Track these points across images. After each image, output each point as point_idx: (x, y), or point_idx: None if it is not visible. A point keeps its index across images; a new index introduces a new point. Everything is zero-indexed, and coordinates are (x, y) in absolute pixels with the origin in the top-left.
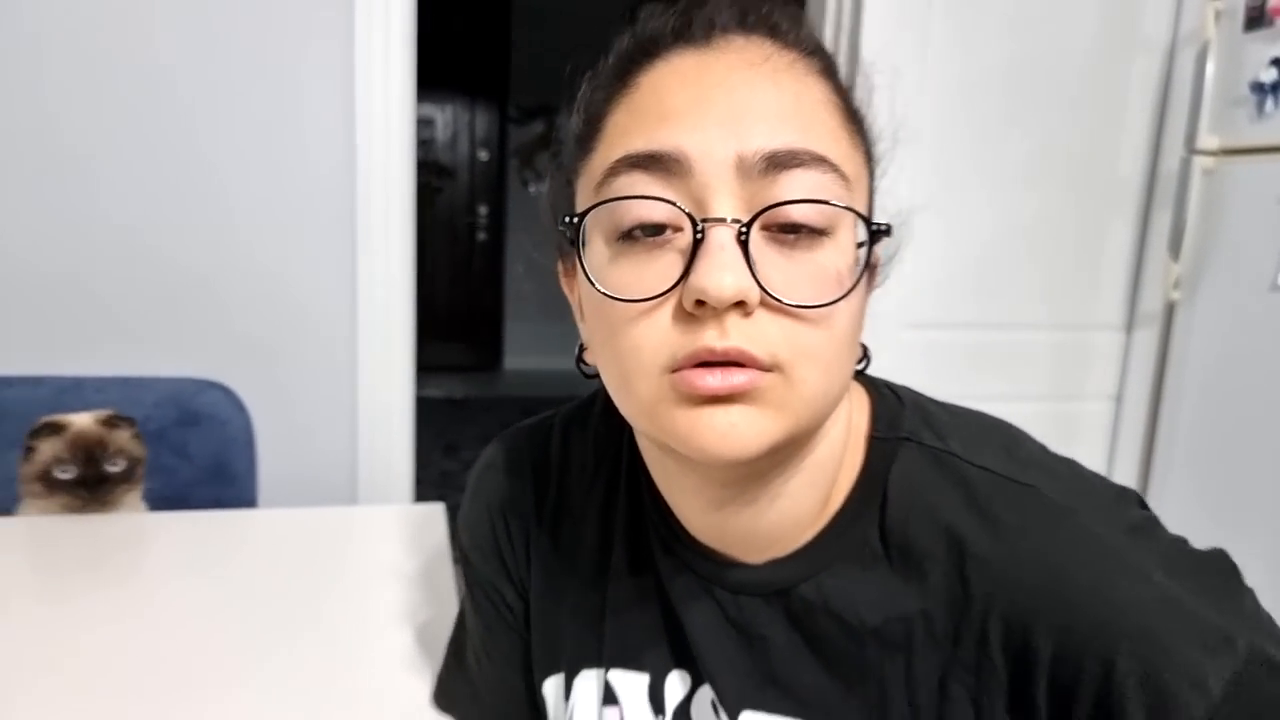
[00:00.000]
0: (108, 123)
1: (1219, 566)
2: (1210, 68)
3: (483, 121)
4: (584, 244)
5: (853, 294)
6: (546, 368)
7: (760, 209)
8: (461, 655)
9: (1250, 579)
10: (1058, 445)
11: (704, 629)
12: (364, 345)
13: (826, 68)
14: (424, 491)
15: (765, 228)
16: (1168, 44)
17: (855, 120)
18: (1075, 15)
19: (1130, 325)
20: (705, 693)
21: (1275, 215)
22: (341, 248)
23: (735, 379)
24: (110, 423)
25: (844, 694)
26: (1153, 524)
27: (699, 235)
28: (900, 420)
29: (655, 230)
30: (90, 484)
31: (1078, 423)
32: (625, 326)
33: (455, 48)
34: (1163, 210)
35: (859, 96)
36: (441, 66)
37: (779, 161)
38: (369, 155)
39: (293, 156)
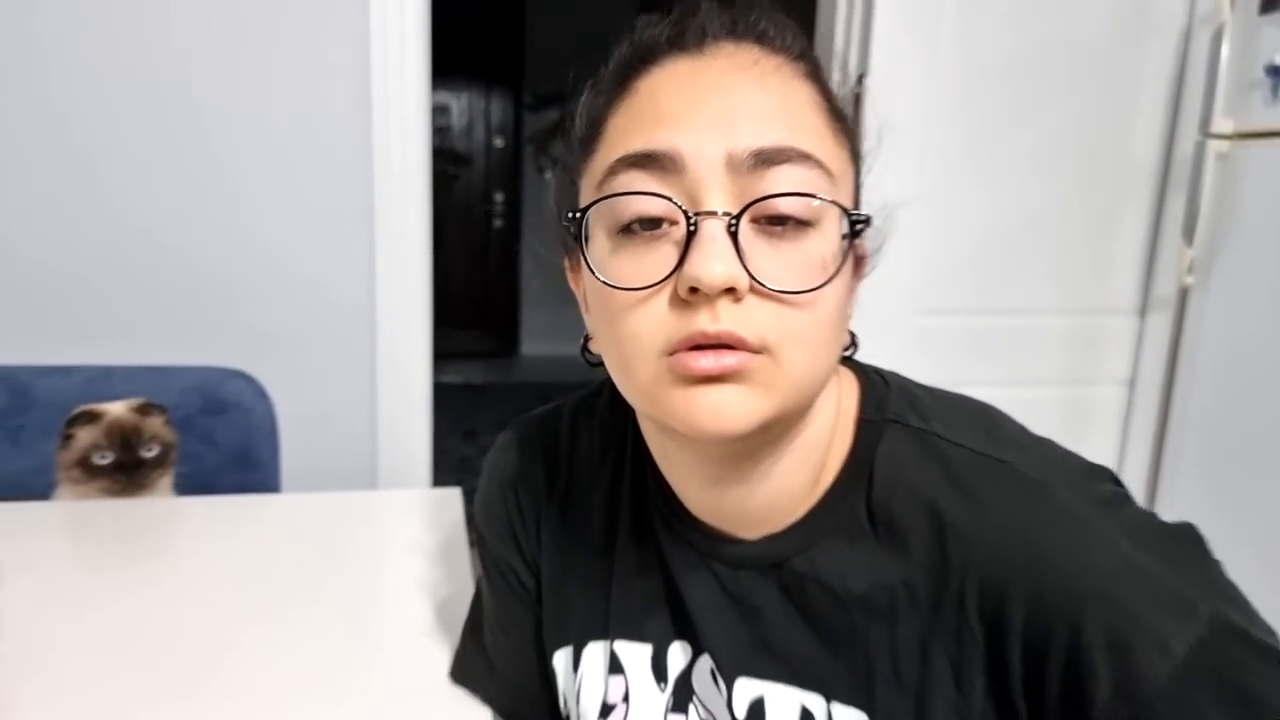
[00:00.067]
0: (128, 121)
1: (1185, 537)
2: (1225, 51)
3: (498, 109)
4: (587, 238)
5: (837, 281)
6: (563, 353)
7: (748, 202)
8: (478, 632)
9: (1262, 562)
10: (1071, 429)
11: (702, 601)
12: (382, 333)
13: (812, 71)
14: (442, 476)
15: (755, 220)
16: (1183, 27)
17: (839, 119)
18: None
19: (1144, 310)
20: (705, 662)
21: None
22: (359, 238)
23: (726, 360)
24: (144, 410)
25: (832, 660)
26: (1121, 498)
27: (692, 228)
28: (887, 403)
29: (652, 224)
30: (127, 469)
31: (1091, 407)
32: (625, 313)
33: (470, 36)
34: (1177, 194)
35: (843, 96)
36: (457, 54)
37: (766, 158)
38: (385, 145)
39: (310, 148)
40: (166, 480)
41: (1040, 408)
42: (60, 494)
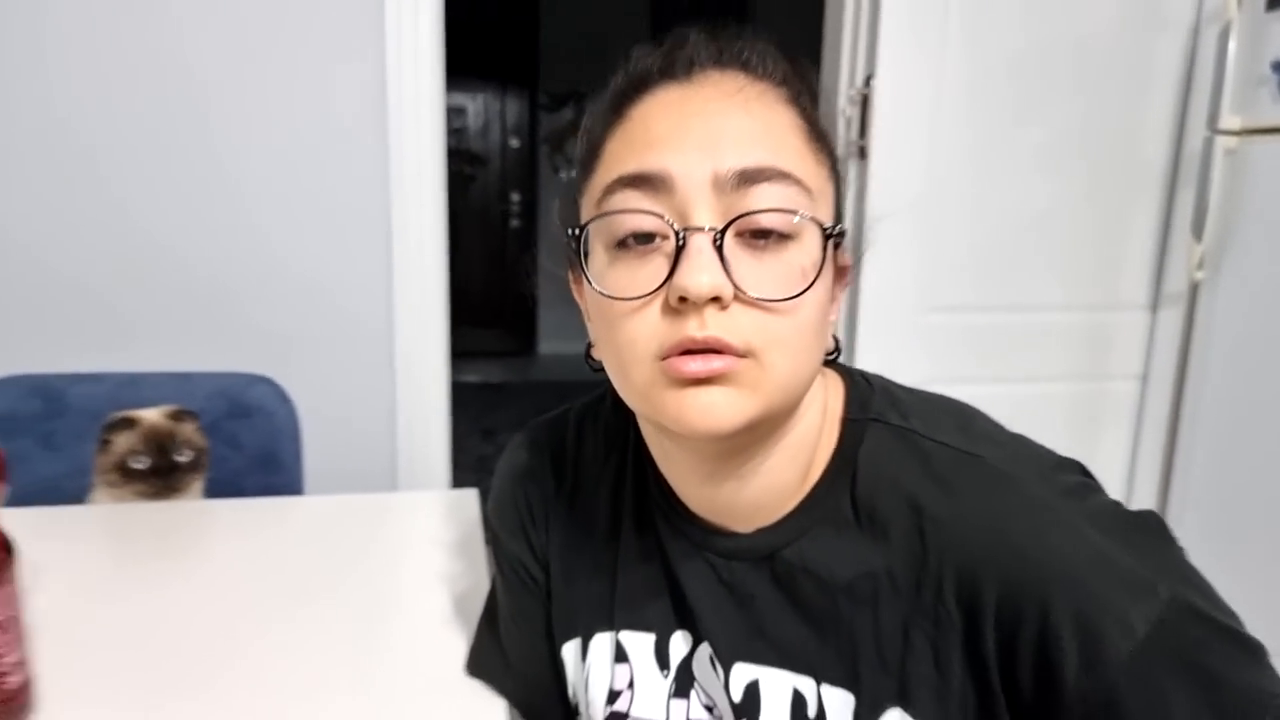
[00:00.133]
0: (151, 140)
1: (1149, 524)
2: (1232, 47)
3: (513, 109)
4: (587, 252)
5: (817, 290)
6: (580, 352)
7: (732, 218)
8: (493, 627)
9: (1275, 554)
10: (1085, 425)
11: (700, 591)
12: (400, 337)
13: (794, 96)
14: (462, 475)
15: (739, 234)
16: (1190, 23)
17: (819, 140)
18: None
19: (1155, 305)
20: (704, 649)
21: None
22: (376, 243)
23: (714, 364)
24: (177, 417)
25: (821, 644)
26: (1088, 488)
27: (681, 242)
28: (870, 403)
29: (646, 238)
30: (161, 473)
31: (1104, 402)
32: (621, 321)
33: (485, 37)
34: (1187, 190)
35: (823, 117)
36: (471, 56)
37: (749, 177)
38: (400, 149)
39: (326, 155)
40: (198, 484)
41: (1054, 403)
42: (97, 496)
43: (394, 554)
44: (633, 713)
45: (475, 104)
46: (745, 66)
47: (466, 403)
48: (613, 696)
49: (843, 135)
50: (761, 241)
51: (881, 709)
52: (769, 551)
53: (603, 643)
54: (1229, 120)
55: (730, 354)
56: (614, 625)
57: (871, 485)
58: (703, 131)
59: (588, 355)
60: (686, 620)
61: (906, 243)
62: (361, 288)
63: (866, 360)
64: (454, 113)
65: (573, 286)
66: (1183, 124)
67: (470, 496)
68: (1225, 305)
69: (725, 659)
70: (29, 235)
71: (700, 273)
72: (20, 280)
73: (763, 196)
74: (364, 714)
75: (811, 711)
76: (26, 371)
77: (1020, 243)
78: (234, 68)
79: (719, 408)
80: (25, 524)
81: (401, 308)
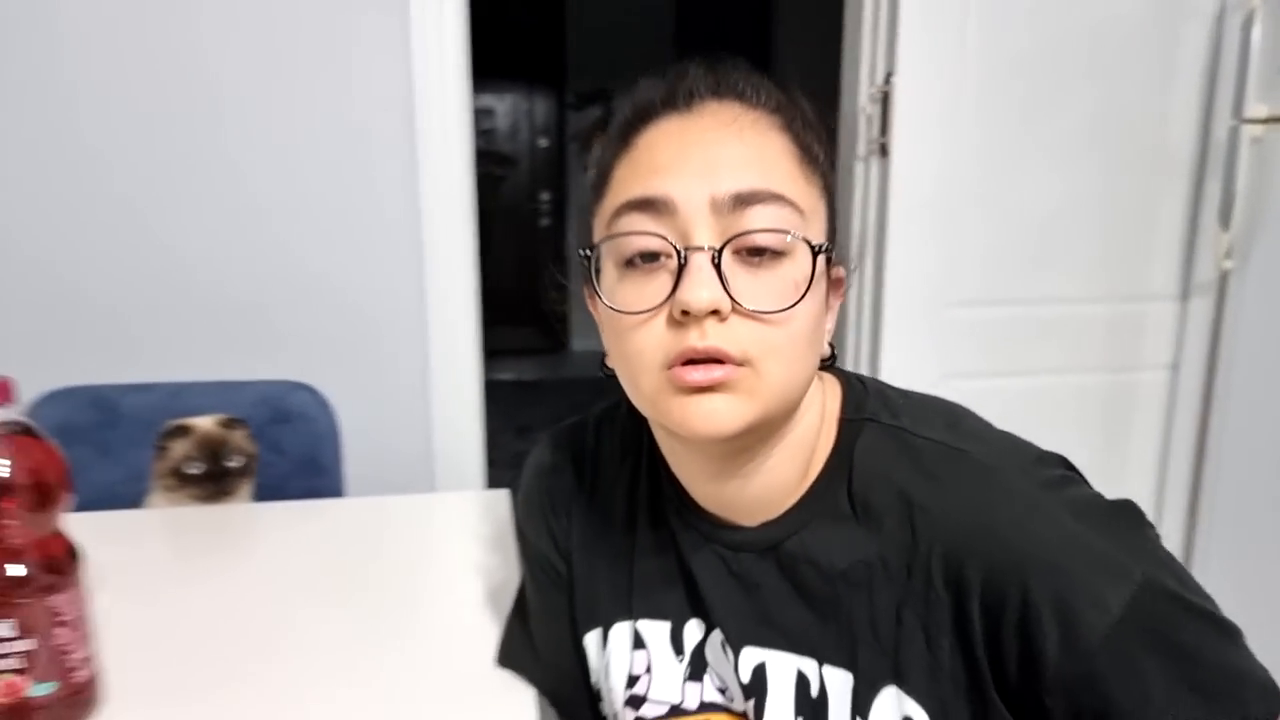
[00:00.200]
0: (179, 153)
1: (1125, 512)
2: (1257, 35)
3: (541, 109)
4: (598, 270)
5: (810, 301)
6: None
7: (729, 237)
8: (523, 621)
9: None
10: (1116, 415)
11: (711, 580)
12: (434, 341)
13: (787, 123)
14: (498, 472)
15: (736, 252)
16: (1215, 11)
17: (811, 163)
18: None
19: (1185, 295)
20: (716, 636)
21: None
22: (408, 247)
23: (714, 373)
24: (228, 424)
25: (822, 628)
26: (1067, 480)
27: (682, 260)
28: (865, 404)
29: (651, 257)
30: (214, 478)
31: (1135, 392)
32: (630, 333)
33: (511, 37)
34: (1214, 179)
35: (814, 140)
36: (498, 57)
37: (744, 199)
38: (429, 152)
39: (355, 164)
40: (248, 488)
41: (1087, 394)
42: (153, 500)
43: (431, 552)
44: (650, 696)
45: (503, 105)
46: (741, 97)
47: (501, 400)
48: (632, 681)
49: (864, 133)
50: (757, 259)
51: (878, 687)
52: (773, 543)
53: (622, 631)
54: (1255, 109)
55: (729, 363)
56: (632, 614)
57: (866, 480)
58: (701, 159)
59: (603, 364)
60: (699, 609)
61: (931, 238)
62: (394, 293)
63: (891, 356)
64: (482, 114)
65: (587, 301)
66: (1208, 113)
67: (502, 497)
68: (1254, 293)
69: (735, 643)
70: (81, 260)
71: (700, 288)
72: (74, 298)
73: (757, 217)
74: (404, 700)
75: (814, 691)
76: (82, 383)
77: (1049, 234)
78: (260, 77)
79: (720, 413)
80: (87, 528)
81: (434, 311)
